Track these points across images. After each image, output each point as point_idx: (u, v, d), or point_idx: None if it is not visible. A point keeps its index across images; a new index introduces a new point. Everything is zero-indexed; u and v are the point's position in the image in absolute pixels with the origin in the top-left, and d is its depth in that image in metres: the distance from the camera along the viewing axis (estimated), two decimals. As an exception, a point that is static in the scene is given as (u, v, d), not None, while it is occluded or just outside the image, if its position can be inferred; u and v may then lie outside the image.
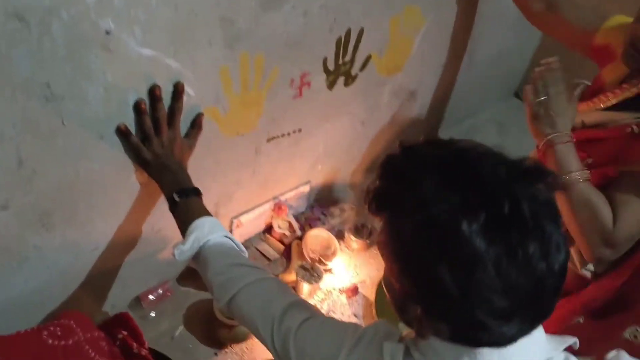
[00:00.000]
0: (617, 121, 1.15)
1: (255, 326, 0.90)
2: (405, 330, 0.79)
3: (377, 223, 1.33)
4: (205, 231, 1.01)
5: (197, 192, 1.08)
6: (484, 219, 0.57)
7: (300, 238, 1.74)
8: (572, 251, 1.22)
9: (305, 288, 1.59)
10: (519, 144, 1.82)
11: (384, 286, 0.77)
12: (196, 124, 1.14)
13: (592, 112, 1.21)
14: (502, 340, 0.64)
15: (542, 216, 0.59)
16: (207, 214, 1.05)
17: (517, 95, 2.58)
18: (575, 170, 1.10)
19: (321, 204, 1.89)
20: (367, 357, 0.76)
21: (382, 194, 0.68)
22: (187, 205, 1.05)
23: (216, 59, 1.07)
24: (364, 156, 1.92)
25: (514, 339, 0.64)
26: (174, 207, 1.05)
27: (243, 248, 1.06)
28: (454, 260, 0.59)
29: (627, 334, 1.07)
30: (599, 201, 1.08)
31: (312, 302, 1.61)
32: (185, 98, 1.07)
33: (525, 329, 0.64)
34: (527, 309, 0.61)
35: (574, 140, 1.13)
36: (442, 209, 0.59)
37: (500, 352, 0.65)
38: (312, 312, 0.89)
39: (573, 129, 1.15)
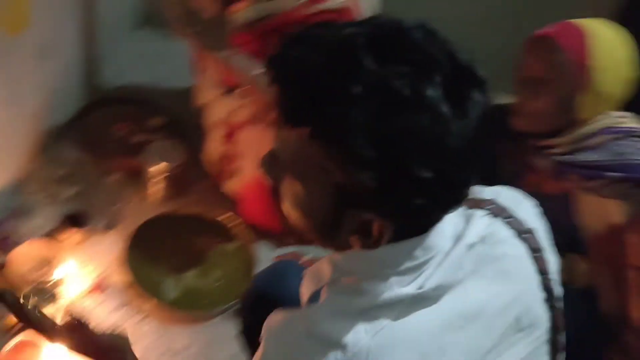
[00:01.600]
0: None
1: None
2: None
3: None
4: None
5: None
6: (440, 81, 0.54)
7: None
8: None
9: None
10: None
11: (291, 217, 0.66)
12: None
13: None
14: (437, 219, 0.62)
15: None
16: None
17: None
18: None
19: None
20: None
21: (303, 98, 0.56)
22: None
23: None
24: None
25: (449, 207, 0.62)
26: None
27: None
28: (426, 135, 0.53)
29: None
30: None
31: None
32: None
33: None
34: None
35: None
36: (401, 82, 0.53)
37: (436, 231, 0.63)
38: None
39: None
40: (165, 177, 1.58)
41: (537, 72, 1.12)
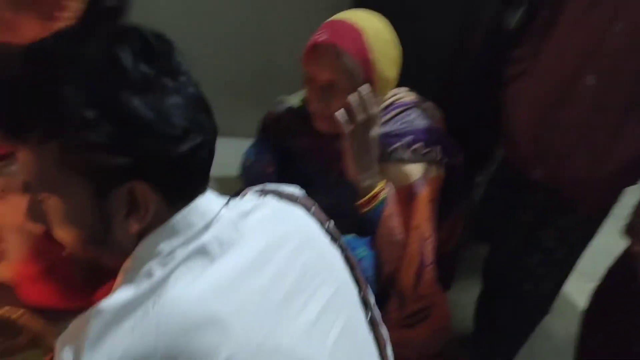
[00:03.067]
0: None
1: None
2: None
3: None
4: None
5: None
6: (133, 48, 0.59)
7: None
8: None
9: None
10: None
11: (67, 241, 0.66)
12: None
13: None
14: (201, 179, 0.67)
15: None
16: None
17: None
18: None
19: None
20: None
21: (14, 108, 0.59)
22: None
23: None
24: None
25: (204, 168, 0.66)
26: None
27: None
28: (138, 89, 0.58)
29: None
30: None
31: None
32: None
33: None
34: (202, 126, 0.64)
35: None
36: (94, 47, 0.59)
37: (198, 206, 0.65)
38: None
39: None
40: None
41: (327, 79, 1.15)
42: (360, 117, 1.14)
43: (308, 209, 0.79)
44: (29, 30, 1.06)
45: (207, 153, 0.65)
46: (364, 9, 1.22)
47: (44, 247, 1.23)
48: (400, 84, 1.29)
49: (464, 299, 1.64)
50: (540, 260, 1.32)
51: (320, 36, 1.14)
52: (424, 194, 1.19)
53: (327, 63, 1.14)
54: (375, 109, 1.15)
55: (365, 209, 1.18)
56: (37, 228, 0.68)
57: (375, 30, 1.16)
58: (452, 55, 1.61)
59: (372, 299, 0.79)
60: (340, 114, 1.13)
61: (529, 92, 1.24)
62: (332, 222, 0.80)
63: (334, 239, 0.78)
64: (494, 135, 1.45)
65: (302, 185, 1.19)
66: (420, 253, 1.19)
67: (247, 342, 0.59)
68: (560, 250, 1.31)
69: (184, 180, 0.64)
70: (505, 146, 1.42)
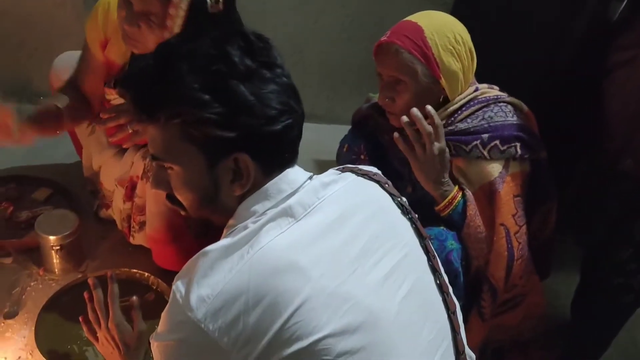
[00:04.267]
0: None
1: None
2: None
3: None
4: None
5: None
6: (238, 46, 0.74)
7: None
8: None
9: None
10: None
11: (186, 202, 0.81)
12: None
13: None
14: (291, 154, 0.80)
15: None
16: None
17: None
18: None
19: None
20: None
21: (145, 91, 0.76)
22: None
23: None
24: None
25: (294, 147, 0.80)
26: None
27: None
28: (249, 78, 0.73)
29: None
30: None
31: None
32: None
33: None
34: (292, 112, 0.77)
35: None
36: (208, 45, 0.75)
37: (287, 176, 0.78)
38: None
39: None
40: (61, 248, 1.47)
41: (390, 75, 1.22)
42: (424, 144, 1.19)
43: (382, 185, 0.88)
44: (149, 40, 1.21)
45: (296, 131, 0.79)
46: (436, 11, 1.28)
47: (173, 218, 1.40)
48: (495, 78, 1.30)
49: (565, 289, 1.61)
50: (631, 254, 1.26)
51: (384, 37, 1.22)
52: (505, 190, 1.21)
53: (388, 61, 1.21)
54: (436, 125, 1.18)
55: (444, 214, 1.24)
56: (163, 194, 0.84)
57: (436, 26, 1.20)
58: (555, 44, 1.61)
59: (441, 269, 0.86)
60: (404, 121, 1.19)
61: (632, 81, 1.20)
62: (403, 198, 0.89)
63: (405, 211, 0.86)
64: (592, 125, 1.43)
65: (393, 178, 1.23)
66: (507, 248, 1.21)
67: (322, 288, 0.69)
68: None
69: (277, 153, 0.78)
70: (599, 135, 1.37)
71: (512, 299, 1.29)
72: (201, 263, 0.70)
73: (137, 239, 1.55)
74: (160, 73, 0.74)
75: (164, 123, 0.74)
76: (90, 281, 1.07)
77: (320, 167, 2.02)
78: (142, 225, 1.52)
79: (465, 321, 1.25)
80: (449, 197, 1.22)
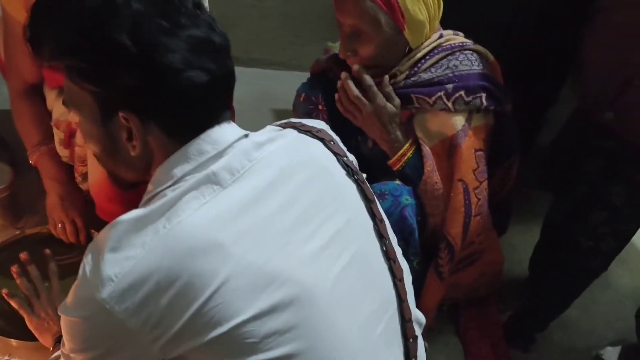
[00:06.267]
0: None
1: None
2: None
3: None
4: None
5: None
6: None
7: None
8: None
9: None
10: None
11: (92, 150, 0.75)
12: None
13: None
14: (206, 115, 0.70)
15: None
16: None
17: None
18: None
19: None
20: None
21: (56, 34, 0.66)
22: None
23: None
24: None
25: (214, 107, 0.70)
26: None
27: None
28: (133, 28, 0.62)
29: None
30: None
31: None
32: None
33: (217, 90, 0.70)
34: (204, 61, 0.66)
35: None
36: None
37: (209, 136, 0.69)
38: None
39: None
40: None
41: (350, 24, 1.12)
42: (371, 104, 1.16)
43: (326, 143, 0.80)
44: None
45: (210, 91, 0.67)
46: None
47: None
48: (459, 25, 1.23)
49: (522, 243, 1.62)
50: (605, 217, 1.22)
51: None
52: (466, 144, 1.16)
53: (349, 9, 1.10)
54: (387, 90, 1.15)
55: (396, 168, 1.19)
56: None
57: None
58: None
59: (388, 234, 0.80)
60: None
61: (606, 28, 1.14)
62: (350, 157, 0.83)
63: (351, 172, 0.79)
64: (559, 74, 1.38)
65: (354, 131, 1.23)
66: (465, 204, 1.17)
67: (246, 266, 0.63)
68: (627, 208, 1.20)
69: (185, 115, 0.68)
70: (577, 86, 1.32)
71: (468, 257, 1.26)
72: (112, 235, 0.62)
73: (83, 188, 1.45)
74: (46, 10, 0.66)
75: (53, 65, 0.68)
76: (22, 257, 1.02)
77: (278, 116, 1.96)
78: (84, 176, 1.41)
79: (422, 281, 1.23)
80: (400, 152, 1.17)
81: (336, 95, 1.19)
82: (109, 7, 0.63)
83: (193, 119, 0.69)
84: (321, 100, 1.34)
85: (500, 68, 1.23)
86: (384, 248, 0.78)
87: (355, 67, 1.15)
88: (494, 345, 1.38)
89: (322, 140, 0.80)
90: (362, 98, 1.15)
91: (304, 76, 1.43)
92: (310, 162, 0.75)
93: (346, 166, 0.79)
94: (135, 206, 0.67)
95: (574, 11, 1.26)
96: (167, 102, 0.66)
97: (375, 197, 0.81)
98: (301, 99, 1.38)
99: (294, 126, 0.80)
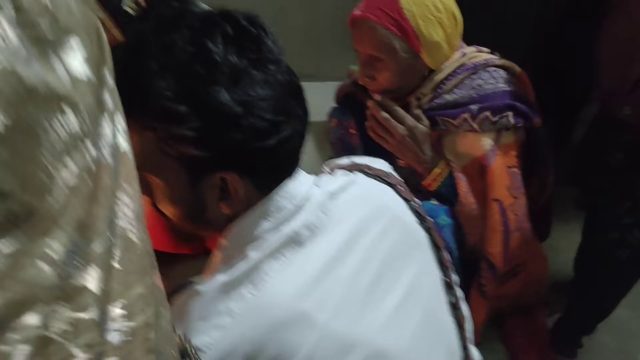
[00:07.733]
0: None
1: None
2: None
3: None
4: None
5: None
6: (223, 37, 0.59)
7: None
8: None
9: None
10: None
11: (171, 214, 0.69)
12: None
13: None
14: (293, 164, 0.68)
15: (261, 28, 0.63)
16: None
17: None
18: None
19: None
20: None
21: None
22: None
23: None
24: None
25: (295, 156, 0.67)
26: None
27: None
28: (230, 83, 0.58)
29: None
30: None
31: None
32: None
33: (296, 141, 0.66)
34: (288, 117, 0.63)
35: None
36: (185, 37, 0.59)
37: (287, 190, 0.67)
38: None
39: None
40: None
41: (367, 53, 1.13)
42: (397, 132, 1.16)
43: (396, 188, 0.79)
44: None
45: (296, 141, 0.66)
46: None
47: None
48: (483, 38, 1.22)
49: (565, 244, 1.59)
50: (629, 207, 1.21)
51: (357, 10, 1.11)
52: (496, 163, 1.14)
53: (364, 38, 1.11)
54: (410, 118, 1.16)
55: (433, 188, 1.20)
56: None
57: None
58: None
59: (456, 279, 0.80)
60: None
61: (621, 23, 1.15)
62: (418, 202, 0.81)
63: (421, 218, 0.78)
64: (587, 73, 1.38)
65: (386, 152, 1.21)
66: (503, 222, 1.16)
67: (330, 334, 0.61)
68: None
69: (273, 169, 0.66)
70: (596, 84, 1.33)
71: (512, 270, 1.26)
72: (196, 305, 0.61)
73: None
74: (129, 73, 0.58)
75: (140, 130, 0.61)
76: None
77: (310, 128, 1.92)
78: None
79: (466, 299, 1.23)
80: (435, 172, 1.18)
81: (367, 123, 1.20)
82: (206, 61, 0.58)
83: (283, 170, 0.67)
84: (353, 125, 1.35)
85: (528, 74, 1.21)
86: (452, 300, 0.78)
87: (377, 97, 1.16)
88: (541, 354, 1.38)
89: (392, 185, 0.78)
90: (392, 120, 1.15)
91: (333, 85, 1.45)
92: (383, 211, 0.73)
93: (416, 212, 0.78)
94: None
95: (598, 8, 1.24)
96: (263, 159, 0.63)
97: (443, 245, 0.79)
98: (333, 124, 1.41)
99: (360, 169, 0.78)
